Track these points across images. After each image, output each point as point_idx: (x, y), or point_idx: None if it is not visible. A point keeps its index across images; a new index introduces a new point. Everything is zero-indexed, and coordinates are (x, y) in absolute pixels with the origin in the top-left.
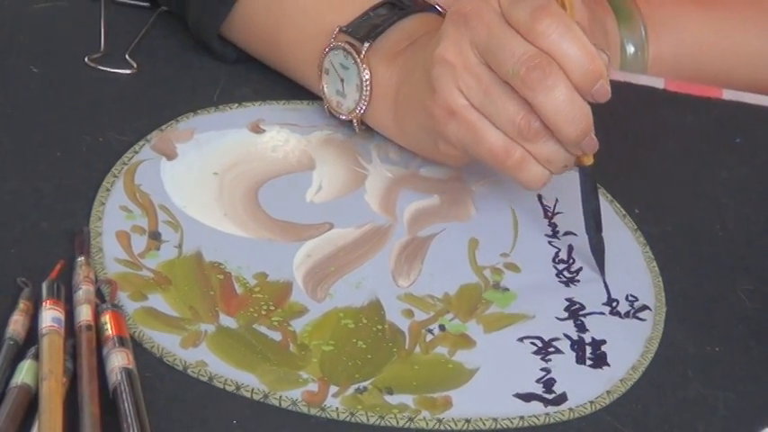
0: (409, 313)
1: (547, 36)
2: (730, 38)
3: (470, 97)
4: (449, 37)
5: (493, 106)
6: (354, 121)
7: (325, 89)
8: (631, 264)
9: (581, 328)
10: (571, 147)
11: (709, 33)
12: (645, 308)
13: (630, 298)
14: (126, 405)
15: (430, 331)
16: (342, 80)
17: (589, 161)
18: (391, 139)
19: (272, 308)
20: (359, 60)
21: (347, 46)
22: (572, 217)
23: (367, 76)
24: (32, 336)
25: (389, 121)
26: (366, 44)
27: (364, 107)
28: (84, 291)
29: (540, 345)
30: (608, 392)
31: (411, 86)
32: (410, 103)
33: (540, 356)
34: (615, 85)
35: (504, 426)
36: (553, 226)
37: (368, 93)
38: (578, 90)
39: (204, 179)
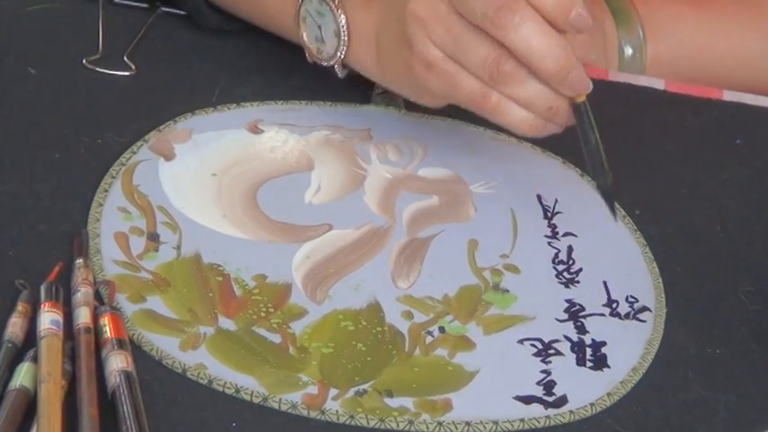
0: (409, 315)
1: None
2: (727, 39)
3: (444, 48)
4: None
5: (464, 53)
6: (336, 66)
7: (305, 37)
8: (631, 265)
9: (581, 329)
10: (556, 84)
11: (707, 35)
12: (645, 309)
13: (631, 299)
14: (125, 408)
15: (430, 333)
16: (319, 27)
17: (581, 98)
18: (374, 80)
19: (272, 310)
20: (333, 6)
21: None
22: (572, 218)
23: (343, 21)
24: (31, 338)
25: (371, 64)
26: None
27: (344, 51)
28: (82, 293)
29: (540, 347)
30: (608, 394)
31: (389, 37)
32: (389, 53)
33: (540, 358)
34: (615, 86)
35: (505, 428)
36: (553, 227)
37: (346, 37)
38: (553, 23)
39: (202, 180)
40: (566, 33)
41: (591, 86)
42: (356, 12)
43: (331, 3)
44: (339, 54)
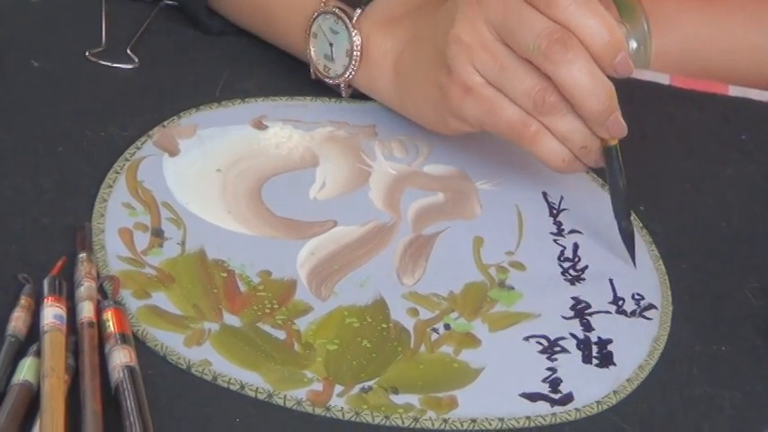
0: (414, 312)
1: (564, 9)
2: (732, 33)
3: (486, 74)
4: (463, 16)
5: (509, 82)
6: (342, 85)
7: (312, 53)
8: (637, 262)
9: (587, 327)
10: (595, 125)
11: (712, 29)
12: (651, 306)
13: (637, 296)
14: (128, 403)
15: (435, 330)
16: (331, 45)
17: (614, 142)
18: (384, 104)
19: (276, 306)
20: (350, 25)
21: (338, 11)
22: (577, 215)
23: (358, 42)
24: (34, 333)
25: (384, 87)
26: (358, 10)
27: (354, 72)
28: (85, 287)
29: (545, 344)
30: (615, 392)
31: (417, 61)
32: (416, 77)
33: (546, 356)
34: (620, 81)
35: (511, 426)
36: (558, 224)
37: (358, 58)
38: (599, 63)
39: (207, 176)
40: None
41: (626, 131)
42: (372, 33)
43: (348, 21)
44: (348, 74)
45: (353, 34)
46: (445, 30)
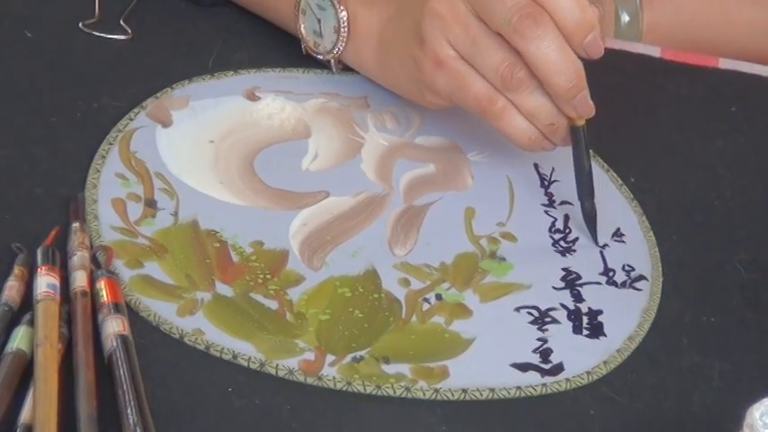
0: (406, 282)
1: None
2: (725, 7)
3: (458, 47)
4: None
5: (479, 55)
6: (332, 60)
7: (303, 29)
8: (628, 233)
9: (577, 297)
10: (562, 103)
11: (704, 3)
12: (641, 278)
13: (627, 268)
14: (121, 372)
15: (426, 300)
16: (319, 21)
17: (581, 122)
18: (371, 79)
19: (269, 276)
20: (336, 2)
21: None
22: (568, 186)
23: (344, 18)
24: (27, 302)
25: (371, 63)
26: None
27: (342, 47)
28: (79, 257)
29: (536, 315)
30: (605, 363)
31: (397, 33)
32: (396, 49)
33: (536, 326)
34: (611, 54)
35: (501, 396)
36: (549, 195)
37: (345, 33)
38: (569, 41)
39: (200, 147)
40: None
41: (593, 111)
42: (358, 9)
43: None
44: (336, 50)
45: (339, 10)
46: (423, 2)
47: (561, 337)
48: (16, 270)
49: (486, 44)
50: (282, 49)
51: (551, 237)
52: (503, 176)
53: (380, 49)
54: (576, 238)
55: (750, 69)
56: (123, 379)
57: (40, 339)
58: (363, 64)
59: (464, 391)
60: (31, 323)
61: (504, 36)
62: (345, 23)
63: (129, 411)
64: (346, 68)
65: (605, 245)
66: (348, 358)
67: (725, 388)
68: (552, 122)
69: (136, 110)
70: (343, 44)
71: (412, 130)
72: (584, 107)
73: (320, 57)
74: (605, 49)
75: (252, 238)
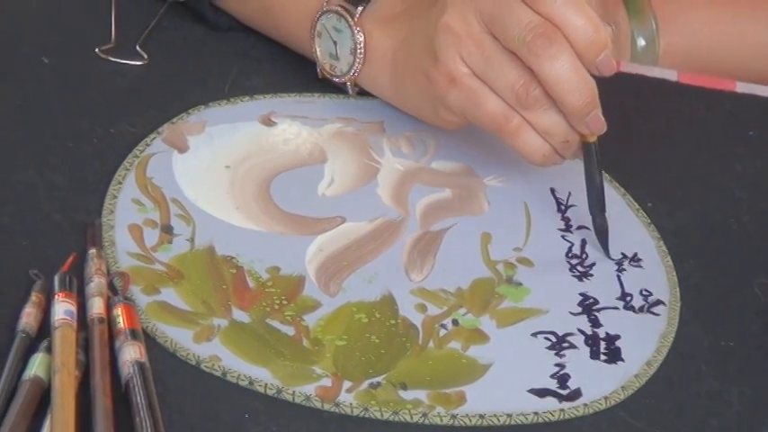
0: (422, 308)
1: (552, 4)
2: (741, 31)
3: (472, 65)
4: (454, 6)
5: (493, 73)
6: (348, 84)
7: (318, 52)
8: (645, 258)
9: (595, 323)
10: (575, 120)
11: (720, 26)
12: (659, 302)
13: (645, 292)
14: (138, 398)
15: (443, 326)
16: (335, 43)
17: (593, 138)
18: (386, 100)
19: (285, 302)
20: (352, 24)
21: (340, 9)
22: (585, 211)
23: (361, 39)
24: (45, 328)
25: (385, 84)
26: (359, 8)
27: (358, 70)
28: (96, 283)
29: (553, 340)
30: (622, 388)
31: (410, 52)
32: (409, 68)
33: (554, 352)
34: (627, 78)
35: (519, 422)
36: (566, 220)
37: (362, 56)
38: (582, 60)
39: (216, 172)
40: None
41: (605, 128)
42: (374, 31)
43: (350, 20)
44: (353, 72)
45: (356, 32)
46: (436, 19)
47: (579, 363)
48: (34, 297)
49: (500, 62)
50: (298, 74)
51: (568, 261)
52: (519, 201)
53: (395, 70)
54: (594, 263)
55: (767, 93)
56: (140, 406)
57: (57, 366)
58: (378, 86)
59: (481, 416)
60: (49, 350)
61: (518, 54)
62: (362, 46)
63: None
64: (362, 92)
65: (622, 269)
66: (365, 384)
67: (744, 413)
68: (566, 139)
69: (152, 135)
70: (360, 66)
71: (428, 155)
72: (597, 124)
73: (336, 80)
74: (621, 73)
75: (268, 264)
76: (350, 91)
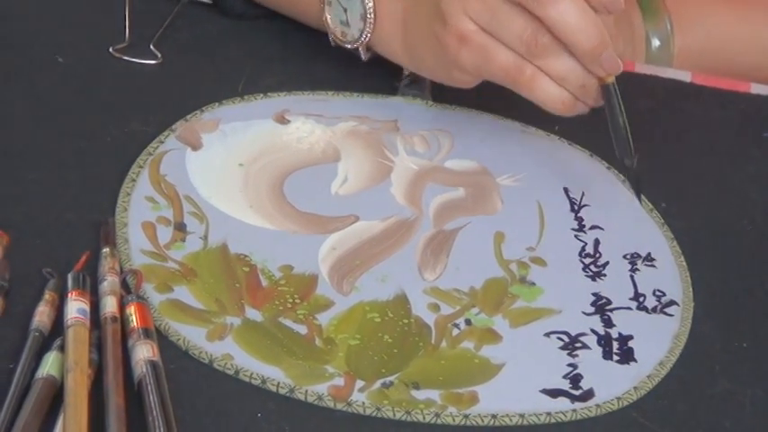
0: (435, 307)
1: None
2: (756, 32)
3: (479, 21)
4: None
5: (500, 26)
6: (360, 49)
7: (329, 20)
8: (659, 258)
9: (608, 323)
10: (589, 62)
11: (735, 28)
12: (672, 303)
13: (658, 293)
14: (151, 397)
15: (456, 326)
16: (345, 10)
17: (610, 79)
18: (399, 63)
19: (298, 301)
20: None
21: None
22: (599, 211)
23: (370, 5)
24: (58, 327)
25: (398, 48)
26: None
27: (369, 35)
28: (109, 282)
29: (566, 340)
30: (635, 388)
31: (419, 16)
32: (420, 32)
33: (566, 352)
34: (642, 79)
35: (531, 422)
36: (579, 220)
37: (372, 20)
38: (588, 1)
39: (229, 170)
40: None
41: (621, 67)
42: None
43: None
44: (364, 37)
45: None
46: None
47: (591, 363)
48: (47, 295)
49: (506, 14)
50: (312, 72)
51: (581, 261)
52: (532, 201)
53: (405, 33)
54: (607, 263)
55: None
56: (153, 404)
57: (70, 365)
58: (391, 49)
59: (494, 416)
60: (62, 348)
61: (523, 4)
62: (372, 10)
63: None
64: (376, 57)
65: (636, 269)
66: (378, 384)
67: (757, 415)
68: (583, 83)
69: (166, 133)
70: (371, 31)
71: (442, 153)
72: (612, 64)
73: (348, 46)
74: (635, 74)
75: (281, 263)
76: (363, 56)
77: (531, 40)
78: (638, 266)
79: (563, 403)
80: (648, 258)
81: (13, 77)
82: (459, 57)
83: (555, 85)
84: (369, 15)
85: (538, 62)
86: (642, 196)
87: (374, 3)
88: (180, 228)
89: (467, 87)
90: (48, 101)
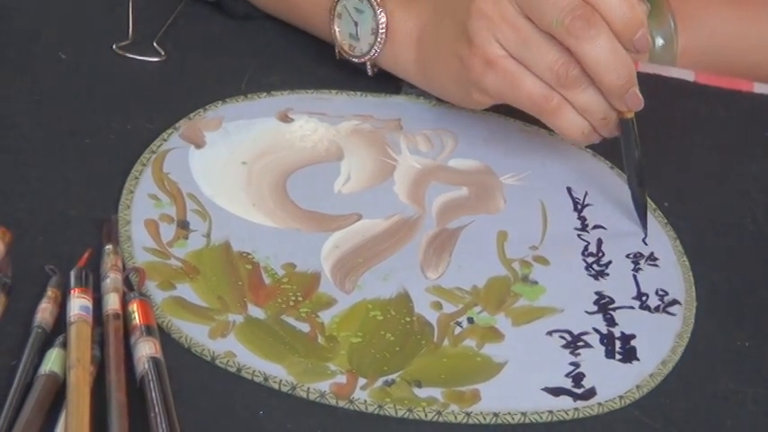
0: (438, 306)
1: None
2: (760, 32)
3: (508, 47)
4: None
5: (531, 55)
6: (368, 64)
7: (337, 33)
8: (661, 258)
9: (610, 322)
10: (614, 98)
11: (739, 27)
12: (675, 302)
13: (660, 292)
14: (153, 394)
15: (458, 324)
16: (356, 24)
17: (630, 115)
18: (409, 80)
19: (301, 299)
20: (375, 4)
21: None
22: (601, 210)
23: (383, 20)
24: (60, 324)
25: (409, 65)
26: None
27: (379, 50)
28: (111, 279)
29: (569, 339)
30: (637, 387)
31: (439, 35)
32: (439, 51)
33: (569, 350)
34: (645, 78)
35: (533, 420)
36: (582, 219)
37: (383, 36)
38: (620, 39)
39: (233, 168)
40: None
41: (642, 104)
42: (395, 11)
43: (373, 0)
44: (374, 52)
45: (378, 12)
46: (467, 3)
47: (594, 362)
48: (49, 292)
49: (537, 44)
50: (315, 71)
51: (584, 260)
52: (535, 200)
53: (420, 51)
54: (609, 262)
55: None
56: (155, 402)
57: (72, 362)
58: (401, 66)
59: (496, 415)
60: (64, 345)
61: (557, 36)
62: (384, 26)
63: None
64: (381, 72)
65: (638, 268)
66: (380, 382)
67: (759, 414)
68: (604, 117)
69: (169, 131)
70: (381, 47)
71: (445, 152)
72: (635, 101)
73: (355, 60)
74: (638, 73)
75: (284, 261)
76: (369, 71)
77: (561, 72)
78: (640, 266)
79: (565, 402)
80: (651, 258)
81: (16, 74)
82: (483, 80)
83: (578, 116)
84: (381, 31)
85: (564, 93)
86: (647, 197)
87: (387, 18)
88: (183, 225)
89: (478, 108)
90: (50, 98)
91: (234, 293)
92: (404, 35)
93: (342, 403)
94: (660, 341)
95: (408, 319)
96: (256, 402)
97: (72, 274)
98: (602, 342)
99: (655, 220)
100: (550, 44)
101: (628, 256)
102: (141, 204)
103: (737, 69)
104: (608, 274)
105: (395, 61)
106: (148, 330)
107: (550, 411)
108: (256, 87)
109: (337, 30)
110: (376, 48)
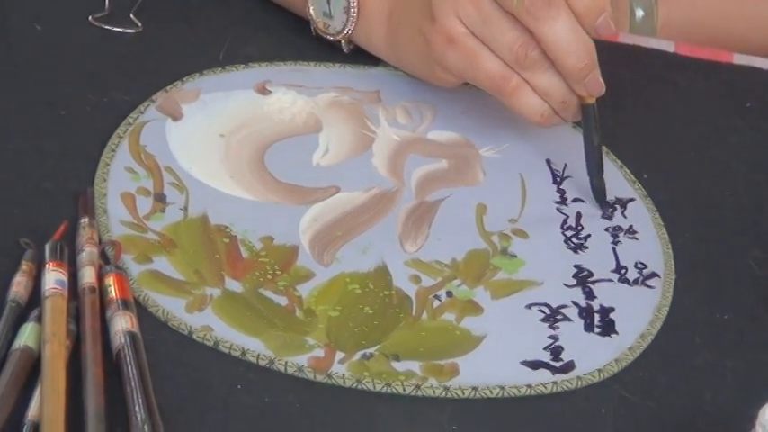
0: (416, 279)
1: None
2: (740, 3)
3: (470, 25)
4: None
5: (492, 34)
6: (342, 41)
7: (312, 11)
8: (640, 230)
9: (589, 295)
10: (574, 82)
11: None
12: (654, 275)
13: (639, 265)
14: (129, 368)
15: (437, 297)
16: (328, 2)
17: (591, 100)
18: (381, 58)
19: (278, 272)
20: None
21: None
22: (581, 183)
23: None
24: (35, 298)
25: (381, 42)
26: None
27: (352, 28)
28: (87, 252)
29: (547, 312)
30: (616, 360)
31: (406, 12)
32: (406, 27)
33: (547, 324)
34: (624, 49)
35: (512, 394)
36: (561, 192)
37: (355, 14)
38: (581, 23)
39: (210, 141)
40: None
41: (603, 90)
42: None
43: None
44: (347, 30)
45: None
46: None
47: (572, 335)
48: (24, 266)
49: (498, 23)
50: (293, 43)
51: (563, 233)
52: (515, 172)
53: (390, 28)
54: (589, 235)
55: (765, 65)
56: (131, 376)
57: (47, 336)
58: (373, 43)
59: (474, 388)
60: (39, 319)
61: (517, 16)
62: (355, 4)
63: (136, 408)
64: (357, 49)
65: (617, 241)
66: (358, 355)
67: (738, 386)
68: (564, 100)
69: (146, 103)
70: (354, 24)
71: (424, 125)
72: (595, 86)
73: (330, 37)
74: (618, 44)
75: (262, 234)
76: (344, 48)
77: (521, 52)
78: (619, 239)
79: (544, 375)
80: (630, 231)
81: None
82: (444, 57)
83: (537, 98)
84: (352, 8)
85: (523, 74)
86: (626, 170)
87: None
88: (160, 198)
89: (447, 87)
90: (26, 69)
91: (211, 267)
92: (375, 12)
93: (320, 377)
94: (639, 314)
95: (387, 292)
96: (234, 377)
97: (47, 247)
98: (580, 315)
99: (634, 193)
100: (511, 24)
101: (607, 229)
102: (118, 177)
103: (718, 41)
104: (587, 248)
105: (368, 39)
106: (125, 304)
107: (529, 385)
108: (234, 59)
109: (312, 8)
110: (349, 26)
